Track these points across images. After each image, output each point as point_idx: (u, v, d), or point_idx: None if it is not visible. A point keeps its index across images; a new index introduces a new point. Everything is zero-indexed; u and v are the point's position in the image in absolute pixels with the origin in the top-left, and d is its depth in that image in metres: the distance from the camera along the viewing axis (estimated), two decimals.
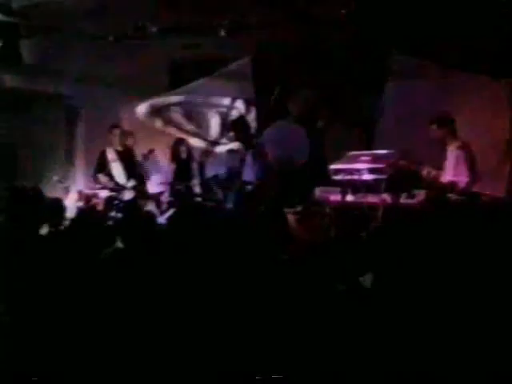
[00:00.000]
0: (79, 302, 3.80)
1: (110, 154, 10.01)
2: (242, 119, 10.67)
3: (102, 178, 9.81)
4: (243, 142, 9.85)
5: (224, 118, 11.47)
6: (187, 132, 11.33)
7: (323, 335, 3.35)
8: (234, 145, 10.81)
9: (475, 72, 8.79)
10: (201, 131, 11.53)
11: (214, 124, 11.53)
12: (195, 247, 4.18)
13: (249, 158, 9.68)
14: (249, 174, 9.70)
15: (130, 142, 10.24)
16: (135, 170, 9.98)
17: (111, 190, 9.66)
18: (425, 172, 7.57)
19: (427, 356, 3.28)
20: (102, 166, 9.96)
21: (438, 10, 8.58)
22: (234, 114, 11.31)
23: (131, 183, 9.82)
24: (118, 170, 9.95)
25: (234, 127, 10.32)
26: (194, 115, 11.64)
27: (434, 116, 7.79)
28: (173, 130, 11.52)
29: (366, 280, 3.96)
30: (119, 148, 10.09)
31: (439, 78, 9.19)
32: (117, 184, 9.79)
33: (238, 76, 11.04)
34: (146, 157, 10.10)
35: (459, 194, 7.27)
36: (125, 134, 10.22)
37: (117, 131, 10.10)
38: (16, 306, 3.92)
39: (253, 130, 10.81)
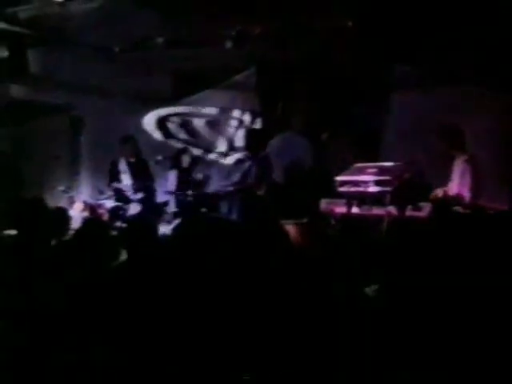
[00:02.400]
0: (84, 312, 3.79)
1: (122, 165, 9.92)
2: (258, 131, 10.64)
3: (117, 184, 9.78)
4: (252, 151, 9.76)
5: (229, 129, 11.47)
6: (190, 143, 11.32)
7: (327, 344, 3.34)
8: (240, 155, 10.77)
9: (481, 84, 8.79)
10: (204, 143, 11.54)
11: (218, 135, 11.53)
12: (201, 258, 4.17)
13: (253, 168, 9.63)
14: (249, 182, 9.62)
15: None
16: (146, 182, 9.87)
17: (118, 199, 9.64)
18: (434, 194, 7.54)
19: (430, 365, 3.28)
20: (115, 177, 9.89)
21: (442, 20, 8.58)
22: (240, 125, 11.33)
23: (139, 196, 9.77)
24: (127, 182, 9.87)
25: (248, 136, 10.25)
26: (198, 126, 11.66)
27: (440, 128, 7.77)
28: (176, 142, 11.54)
29: (371, 291, 3.96)
30: (131, 159, 9.96)
31: (445, 89, 9.20)
32: (125, 196, 9.75)
33: (243, 87, 11.07)
34: (158, 162, 10.08)
35: (464, 207, 7.25)
36: (137, 146, 10.14)
37: (128, 143, 9.99)
38: (20, 315, 3.91)
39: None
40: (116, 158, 9.96)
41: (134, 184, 9.79)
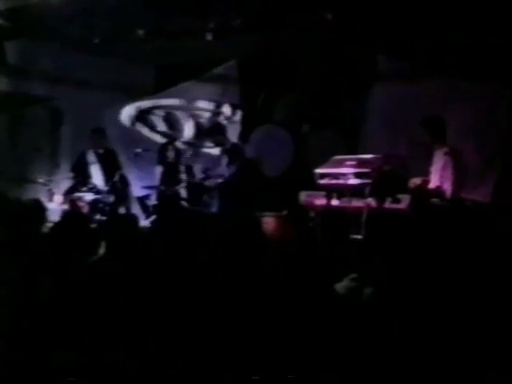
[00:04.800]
0: (63, 307, 3.78)
1: (90, 156, 10.00)
2: (217, 125, 10.68)
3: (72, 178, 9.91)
4: (220, 145, 9.92)
5: (209, 121, 11.47)
6: (168, 136, 11.29)
7: (312, 337, 3.35)
8: (217, 149, 10.86)
9: (465, 76, 8.82)
10: (183, 135, 11.52)
11: (198, 127, 11.51)
12: (180, 251, 4.16)
13: (224, 161, 9.71)
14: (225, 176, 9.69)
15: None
16: (115, 172, 9.90)
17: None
18: (410, 183, 7.53)
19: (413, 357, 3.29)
20: (77, 167, 10.01)
21: (428, 12, 8.60)
22: (220, 118, 11.33)
23: (108, 187, 9.80)
24: (96, 173, 9.93)
25: (209, 133, 10.36)
26: (178, 119, 11.63)
27: (424, 119, 7.75)
28: (154, 134, 11.52)
29: (343, 286, 3.98)
30: (100, 150, 10.05)
31: (427, 82, 9.22)
32: (94, 187, 9.79)
33: (223, 79, 11.06)
34: (137, 155, 10.09)
35: (444, 199, 7.27)
36: (106, 138, 10.21)
37: (98, 135, 10.05)
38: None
39: (231, 133, 10.83)
40: (85, 150, 10.07)
41: (103, 174, 9.90)
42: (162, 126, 11.61)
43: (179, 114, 11.60)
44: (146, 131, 11.59)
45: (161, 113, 11.63)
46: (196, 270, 3.72)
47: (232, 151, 9.76)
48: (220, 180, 9.54)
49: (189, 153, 10.51)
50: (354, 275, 3.99)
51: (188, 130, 11.48)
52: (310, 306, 3.48)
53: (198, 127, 11.44)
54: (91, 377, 3.43)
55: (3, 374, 3.56)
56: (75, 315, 3.69)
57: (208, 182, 9.80)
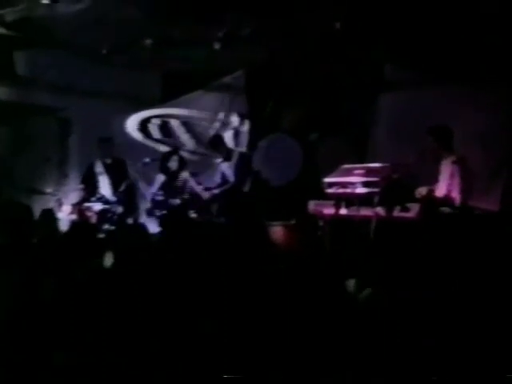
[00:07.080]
0: (69, 314, 3.78)
1: (98, 167, 9.98)
2: (217, 136, 10.60)
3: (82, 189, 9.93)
4: (222, 155, 9.92)
5: (216, 131, 11.46)
6: (172, 146, 11.26)
7: (321, 342, 3.34)
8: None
9: (472, 83, 8.81)
10: (188, 145, 11.52)
11: (205, 137, 11.49)
12: (186, 262, 4.16)
13: (227, 170, 9.74)
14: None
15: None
16: (123, 182, 9.93)
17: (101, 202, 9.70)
18: (416, 193, 7.50)
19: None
20: (87, 179, 9.99)
21: (433, 21, 8.59)
22: (228, 127, 11.32)
23: (116, 197, 9.82)
24: (104, 183, 9.92)
25: (211, 144, 10.32)
26: (183, 129, 11.64)
27: (431, 128, 7.72)
28: (159, 144, 11.53)
29: (350, 285, 3.99)
30: (108, 161, 10.03)
31: (434, 89, 9.21)
32: (102, 197, 9.80)
33: (231, 89, 11.07)
34: (146, 164, 10.09)
35: (452, 208, 7.24)
36: (114, 147, 10.20)
37: (106, 144, 10.05)
38: (6, 317, 3.89)
39: (232, 144, 10.89)
40: (93, 161, 10.05)
41: (111, 185, 9.90)
42: (166, 136, 11.60)
43: (185, 124, 11.59)
44: (150, 141, 11.58)
45: (166, 123, 11.63)
46: (203, 281, 3.72)
47: (240, 160, 9.76)
48: (224, 190, 9.58)
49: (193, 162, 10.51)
50: (353, 280, 4.00)
51: (193, 140, 11.48)
52: (318, 313, 3.48)
53: (204, 137, 11.40)
54: (91, 377, 3.43)
55: (3, 374, 3.55)
56: (78, 317, 3.69)
57: (213, 192, 9.80)
